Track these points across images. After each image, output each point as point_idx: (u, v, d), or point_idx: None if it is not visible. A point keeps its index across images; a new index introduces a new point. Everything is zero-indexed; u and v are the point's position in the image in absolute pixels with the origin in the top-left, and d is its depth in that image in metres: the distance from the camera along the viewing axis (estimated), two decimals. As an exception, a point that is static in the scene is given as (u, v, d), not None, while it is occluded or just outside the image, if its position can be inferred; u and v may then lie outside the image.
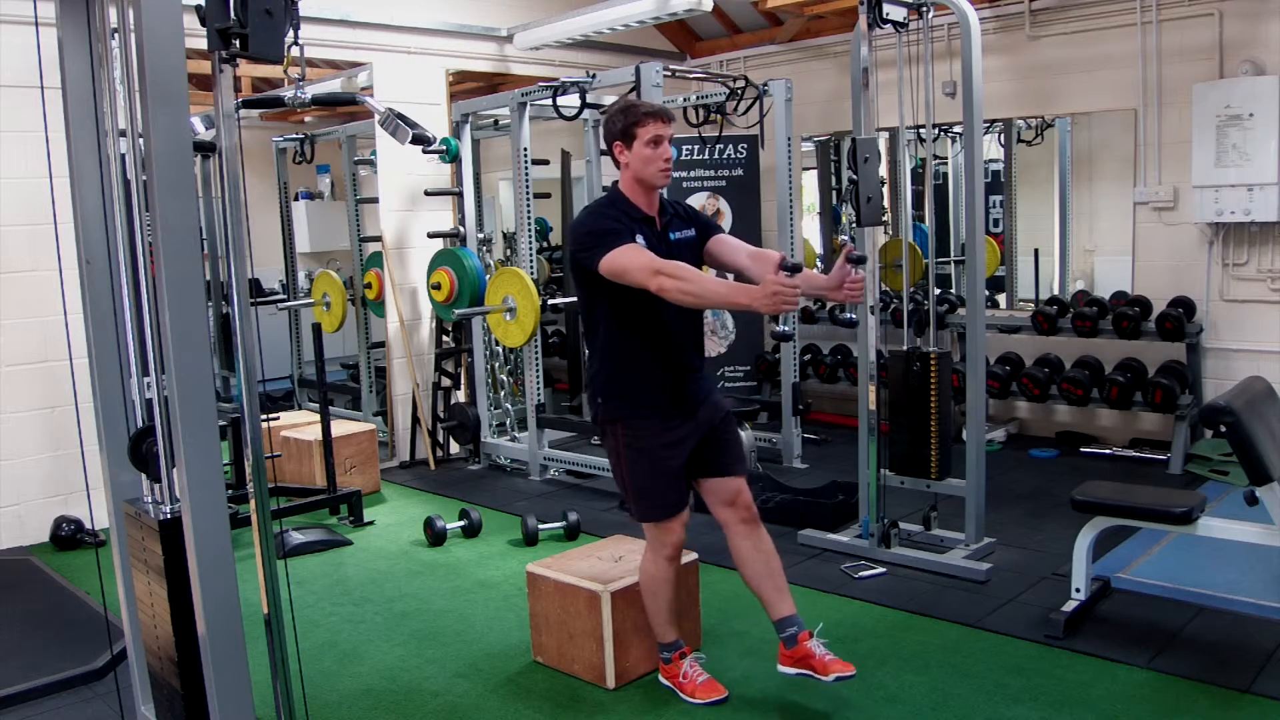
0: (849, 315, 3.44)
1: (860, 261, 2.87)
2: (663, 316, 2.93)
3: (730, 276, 3.32)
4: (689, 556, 3.35)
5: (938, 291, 6.44)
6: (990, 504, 4.32)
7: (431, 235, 6.23)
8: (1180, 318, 5.41)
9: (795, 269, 2.55)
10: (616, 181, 3.02)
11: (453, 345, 6.49)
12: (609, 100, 5.71)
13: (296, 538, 4.70)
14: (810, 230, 7.89)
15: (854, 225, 4.06)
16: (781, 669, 3.03)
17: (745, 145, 6.82)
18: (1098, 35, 5.86)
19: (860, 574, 4.10)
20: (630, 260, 2.75)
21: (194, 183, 2.02)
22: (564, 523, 4.70)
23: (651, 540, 3.08)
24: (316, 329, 5.40)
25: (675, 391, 3.00)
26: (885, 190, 6.77)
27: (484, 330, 6.17)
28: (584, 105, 5.50)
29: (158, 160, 1.91)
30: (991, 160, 6.63)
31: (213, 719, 2.08)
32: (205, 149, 4.66)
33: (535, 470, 5.92)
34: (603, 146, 6.62)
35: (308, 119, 7.83)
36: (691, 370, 3.06)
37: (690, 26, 7.70)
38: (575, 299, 3.07)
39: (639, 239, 2.87)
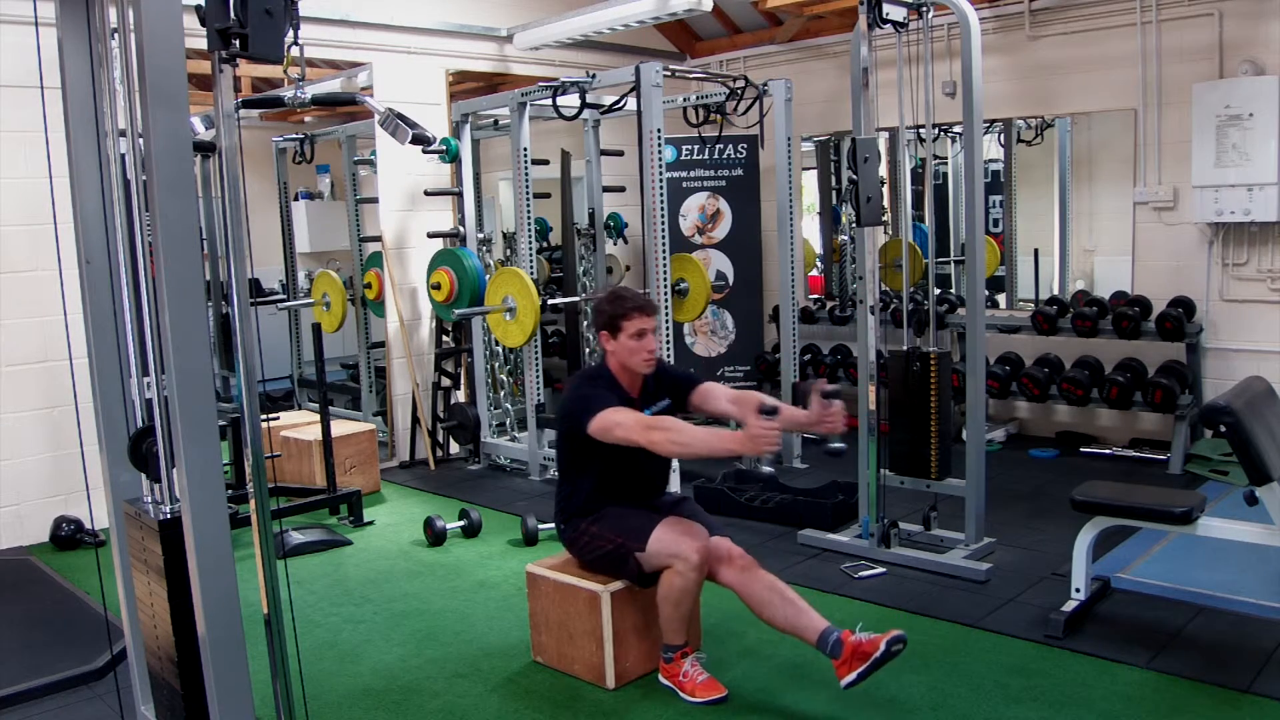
0: (833, 446, 3.56)
1: (836, 394, 3.01)
2: (641, 469, 3.23)
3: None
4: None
5: (938, 291, 6.45)
6: (990, 504, 4.32)
7: (431, 235, 6.23)
8: (1180, 318, 5.41)
9: (772, 411, 2.80)
10: (604, 360, 3.26)
11: (453, 345, 6.49)
12: (609, 100, 5.73)
13: (296, 538, 4.70)
14: (810, 230, 7.89)
15: (854, 225, 4.06)
16: (845, 681, 2.89)
17: (745, 145, 6.82)
18: (1097, 35, 5.86)
19: (860, 574, 4.10)
20: (621, 418, 2.98)
21: (194, 183, 2.02)
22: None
23: (672, 553, 3.05)
24: (316, 329, 5.40)
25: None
26: (885, 190, 6.77)
27: (484, 330, 6.17)
28: (584, 105, 5.50)
29: (158, 160, 1.91)
30: (991, 160, 6.63)
31: (213, 719, 2.08)
32: (205, 149, 4.66)
33: (535, 470, 5.92)
34: (603, 146, 6.66)
35: (308, 119, 7.82)
36: (656, 494, 3.38)
37: (690, 26, 7.70)
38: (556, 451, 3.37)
39: None
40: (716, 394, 3.27)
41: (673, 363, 4.81)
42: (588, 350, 6.73)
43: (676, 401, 3.31)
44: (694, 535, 3.06)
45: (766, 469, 3.21)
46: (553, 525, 4.69)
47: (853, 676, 2.89)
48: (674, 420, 3.03)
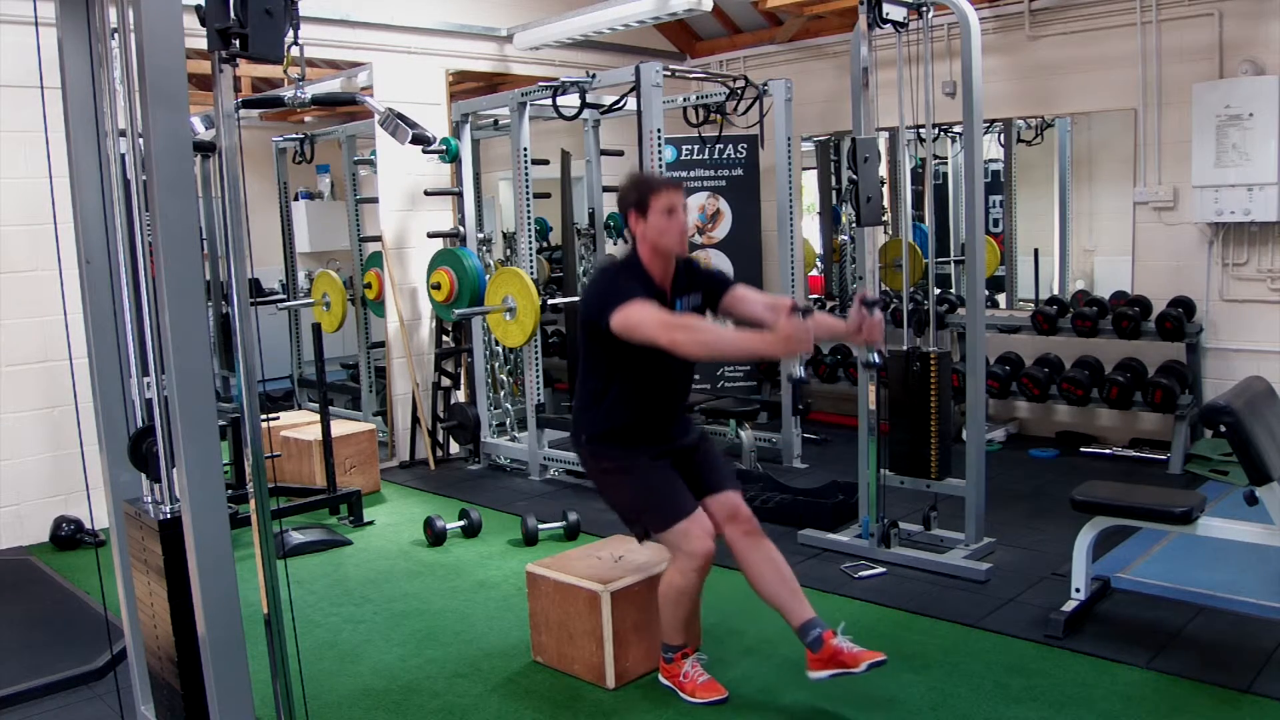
0: (871, 357, 3.47)
1: (876, 304, 2.93)
2: (665, 374, 3.03)
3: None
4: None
5: (938, 291, 6.45)
6: (990, 504, 4.32)
7: (431, 235, 6.23)
8: (1180, 318, 5.41)
9: (806, 311, 2.66)
10: (634, 248, 3.05)
11: (453, 345, 6.49)
12: (609, 100, 5.73)
13: (296, 538, 4.70)
14: (810, 230, 7.89)
15: (854, 225, 4.06)
16: (813, 675, 2.96)
17: (745, 145, 6.82)
18: (1097, 35, 5.86)
19: (860, 574, 4.10)
20: (643, 316, 2.80)
21: (194, 183, 2.02)
22: (564, 523, 4.70)
23: (677, 553, 3.00)
24: (316, 329, 5.40)
25: (659, 435, 3.12)
26: (885, 190, 6.77)
27: (484, 330, 6.16)
28: (584, 105, 5.50)
29: (158, 160, 1.91)
30: (991, 160, 6.63)
31: (213, 719, 2.08)
32: (205, 149, 4.65)
33: (535, 470, 5.92)
34: (603, 146, 6.65)
35: (308, 119, 7.82)
36: (676, 419, 3.19)
37: (690, 26, 7.70)
38: (581, 352, 3.16)
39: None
40: (751, 299, 3.13)
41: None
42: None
43: (708, 300, 3.14)
44: (707, 536, 2.99)
45: (798, 373, 3.01)
46: (554, 525, 4.73)
47: (823, 675, 2.95)
48: (699, 319, 2.87)
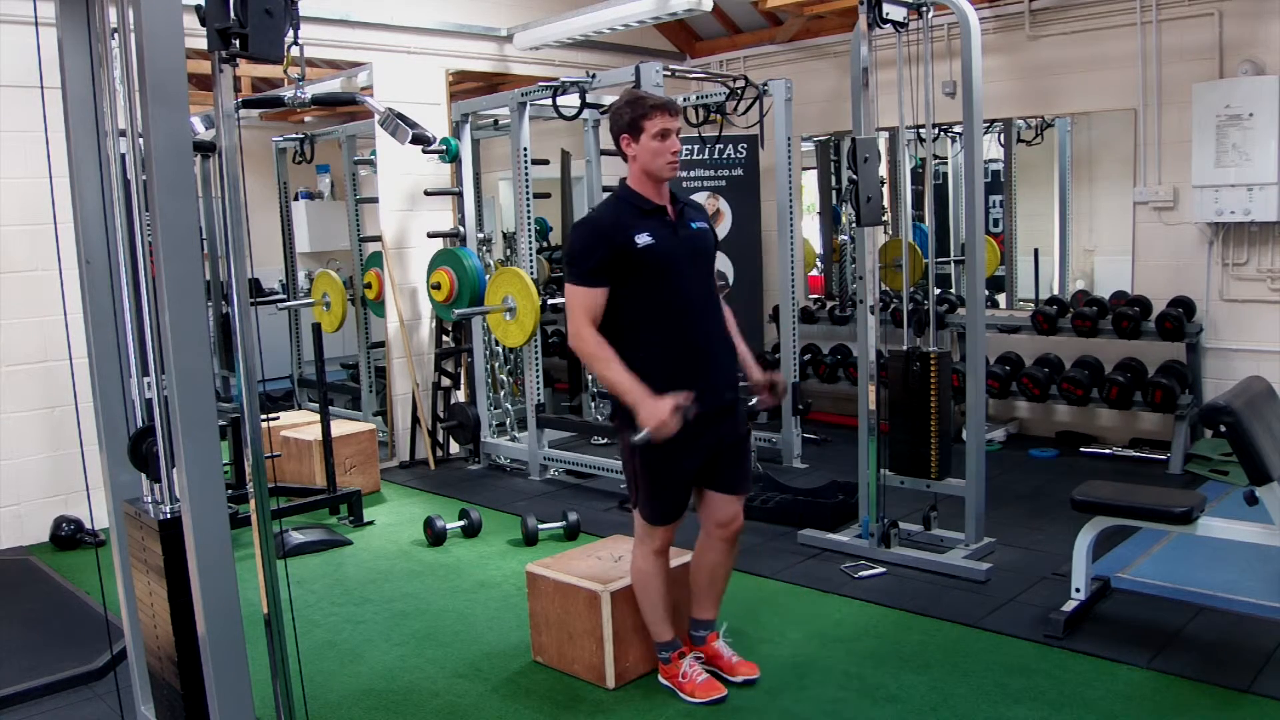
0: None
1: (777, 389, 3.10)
2: (679, 312, 2.90)
3: None
4: (683, 557, 3.34)
5: (938, 291, 6.44)
6: (990, 504, 4.32)
7: (431, 235, 6.23)
8: (1180, 318, 5.41)
9: (690, 410, 2.73)
10: (625, 178, 3.00)
11: (453, 345, 6.49)
12: (609, 100, 5.71)
13: (296, 538, 4.70)
14: (810, 230, 7.89)
15: (854, 225, 4.06)
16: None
17: (745, 145, 6.82)
18: (1097, 35, 5.86)
19: (860, 574, 4.10)
20: (575, 304, 2.86)
21: (194, 183, 2.02)
22: (564, 523, 4.70)
23: (641, 535, 3.09)
24: (316, 329, 5.40)
25: (694, 385, 2.82)
26: (885, 190, 6.77)
27: (484, 330, 6.16)
28: (584, 105, 5.50)
29: (158, 160, 1.91)
30: (991, 160, 6.63)
31: (213, 719, 2.08)
32: (205, 149, 4.65)
33: (535, 470, 5.92)
34: (603, 146, 6.65)
35: (308, 119, 7.82)
36: (713, 361, 2.98)
37: (690, 26, 7.70)
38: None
39: (644, 237, 2.86)
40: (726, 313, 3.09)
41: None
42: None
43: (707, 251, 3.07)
44: (668, 545, 3.09)
45: (640, 439, 2.95)
46: (554, 525, 4.73)
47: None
48: (602, 349, 2.82)
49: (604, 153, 6.54)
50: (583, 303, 2.85)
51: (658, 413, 2.70)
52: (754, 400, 3.15)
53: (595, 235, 2.91)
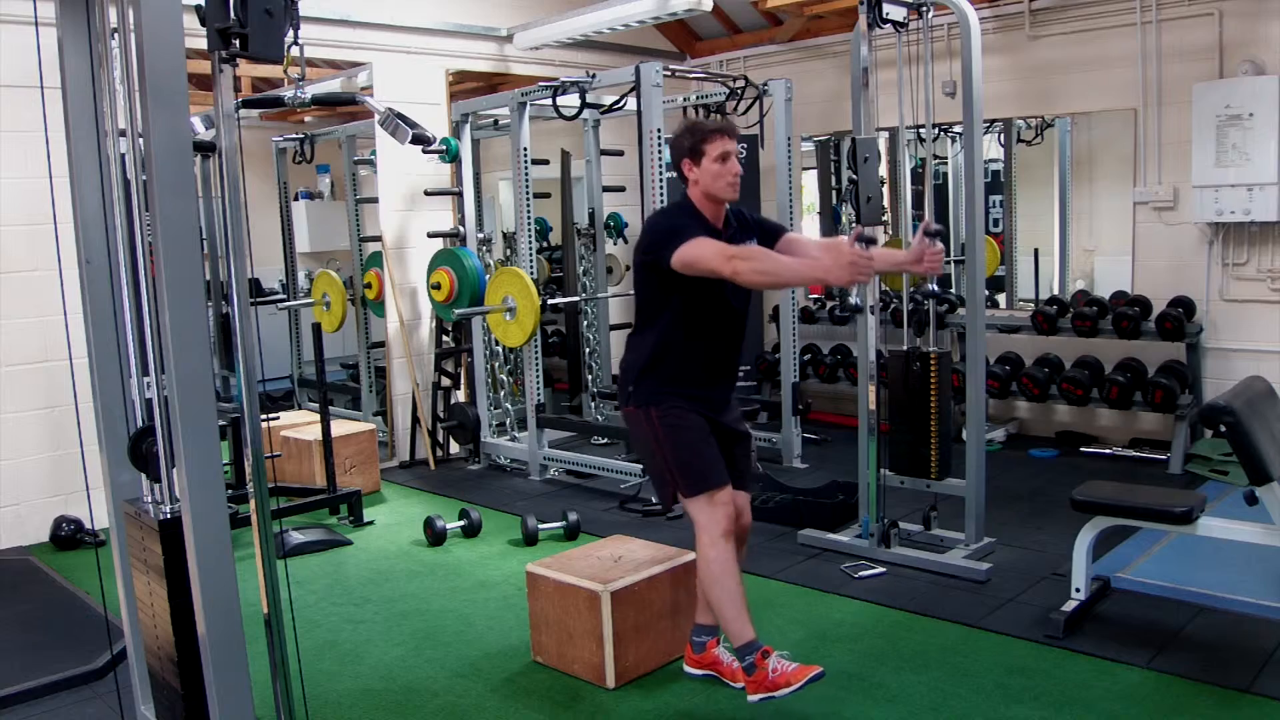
0: (931, 287, 3.32)
1: (939, 234, 2.93)
2: (718, 325, 3.02)
3: None
4: (686, 556, 3.34)
5: (939, 291, 6.44)
6: (990, 504, 4.32)
7: (431, 235, 6.23)
8: (1180, 318, 5.41)
9: (871, 241, 2.65)
10: (685, 193, 3.05)
11: (453, 345, 6.49)
12: (608, 100, 5.73)
13: (296, 538, 4.70)
14: (810, 230, 7.88)
15: (854, 225, 4.06)
16: (688, 670, 3.19)
17: (745, 145, 6.78)
18: (1098, 35, 5.86)
19: (860, 574, 4.10)
20: (703, 249, 2.79)
21: (194, 183, 2.02)
22: (564, 523, 4.70)
23: (703, 521, 2.92)
24: (316, 329, 5.40)
25: (708, 395, 3.04)
26: (885, 190, 6.76)
27: (484, 330, 6.16)
28: (584, 105, 5.50)
29: (158, 160, 1.91)
30: (991, 160, 6.63)
31: (213, 719, 2.08)
32: (205, 149, 4.65)
33: (535, 470, 5.92)
34: (603, 146, 6.64)
35: (308, 119, 7.82)
36: (726, 381, 3.13)
37: (690, 26, 7.70)
38: (634, 294, 3.14)
39: None
40: (804, 242, 3.12)
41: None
42: (588, 350, 6.74)
43: (763, 243, 3.08)
44: (726, 502, 2.94)
45: (856, 301, 3.05)
46: (553, 525, 4.73)
47: (696, 673, 3.18)
48: (758, 249, 2.86)
49: (604, 153, 6.54)
50: (706, 249, 2.78)
51: (844, 261, 2.62)
52: (929, 270, 3.01)
53: (686, 215, 2.98)
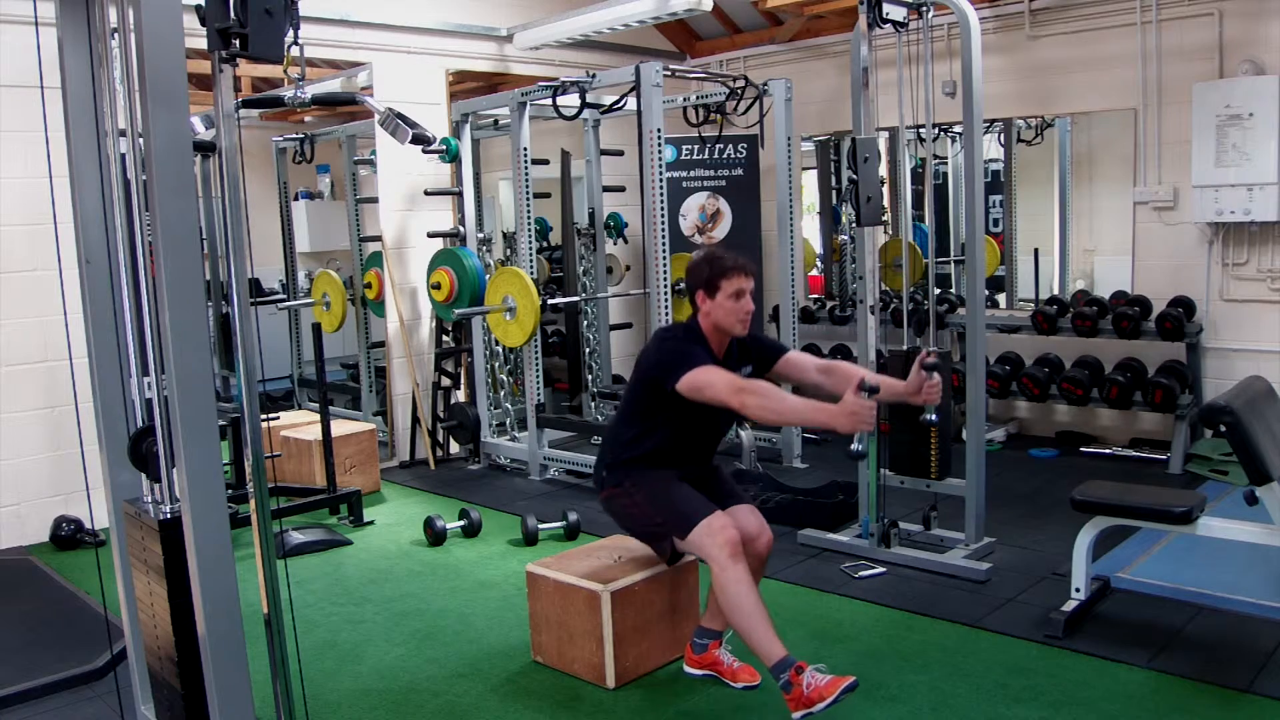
0: (928, 417, 3.58)
1: (936, 368, 3.02)
2: (706, 434, 3.22)
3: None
4: (685, 557, 3.34)
5: (938, 291, 6.44)
6: (990, 504, 4.32)
7: (431, 235, 6.23)
8: (1180, 318, 5.41)
9: (873, 390, 2.72)
10: (694, 318, 3.14)
11: (453, 345, 6.49)
12: (608, 100, 5.73)
13: (296, 538, 4.70)
14: (810, 230, 7.89)
15: (854, 225, 4.06)
16: (688, 670, 3.23)
17: (745, 145, 6.82)
18: (1098, 35, 5.86)
19: (860, 574, 4.10)
20: (713, 378, 2.90)
21: (194, 183, 2.02)
22: (564, 523, 4.70)
23: (709, 552, 2.95)
24: (316, 329, 5.40)
25: (682, 471, 3.22)
26: (885, 190, 6.77)
27: (484, 330, 6.17)
28: (584, 105, 5.50)
29: (158, 160, 1.91)
30: (991, 160, 6.63)
31: (213, 719, 2.08)
32: (205, 149, 4.65)
33: (535, 470, 5.92)
34: (603, 146, 6.64)
35: (308, 119, 7.82)
36: (704, 461, 3.31)
37: (690, 26, 7.70)
38: (628, 398, 3.27)
39: None
40: (804, 364, 3.23)
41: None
42: (588, 350, 6.73)
43: (759, 369, 3.22)
44: (730, 525, 2.98)
45: (857, 448, 3.27)
46: (554, 525, 4.73)
47: (696, 673, 3.21)
48: (767, 385, 2.94)
49: (604, 153, 6.54)
50: (715, 379, 2.90)
51: (847, 411, 2.71)
52: (927, 401, 3.10)
53: (695, 341, 3.09)
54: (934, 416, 3.51)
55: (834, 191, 7.66)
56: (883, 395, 2.93)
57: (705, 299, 3.07)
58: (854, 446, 3.20)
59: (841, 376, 3.02)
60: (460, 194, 6.20)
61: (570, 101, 5.54)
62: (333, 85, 6.52)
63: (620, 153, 6.74)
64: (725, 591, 2.91)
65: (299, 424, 5.97)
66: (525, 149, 5.78)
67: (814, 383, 3.19)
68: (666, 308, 5.09)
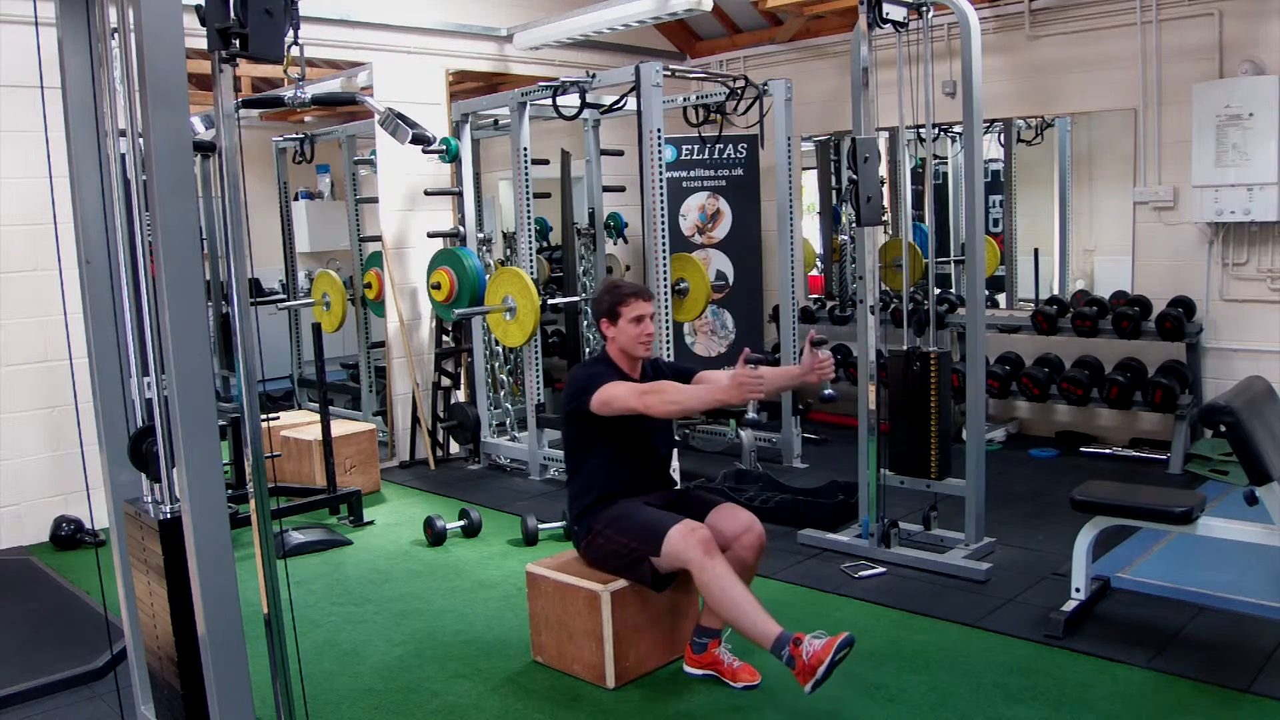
0: (826, 393, 3.60)
1: (823, 343, 3.18)
2: (642, 448, 3.35)
3: None
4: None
5: (938, 291, 6.44)
6: (990, 504, 4.32)
7: (431, 235, 6.23)
8: (1180, 317, 5.41)
9: (757, 362, 2.96)
10: (604, 347, 3.38)
11: (453, 345, 6.49)
12: (608, 100, 5.73)
13: (296, 538, 4.70)
14: (810, 230, 7.89)
15: (854, 225, 4.06)
16: (688, 669, 3.27)
17: (745, 145, 6.82)
18: (1097, 35, 5.86)
19: (860, 574, 4.10)
20: (617, 390, 3.13)
21: (194, 183, 2.02)
22: (564, 523, 4.70)
23: (683, 555, 3.01)
24: (316, 329, 5.40)
25: (645, 497, 3.35)
26: (885, 190, 6.77)
27: (484, 330, 6.17)
28: (584, 105, 5.50)
29: (158, 160, 1.91)
30: (991, 160, 6.63)
31: (213, 719, 2.08)
32: (205, 149, 4.65)
33: (535, 470, 5.92)
34: (603, 146, 6.64)
35: (308, 119, 7.82)
36: (662, 483, 3.46)
37: (690, 26, 7.70)
38: (564, 440, 3.47)
39: None
40: (713, 376, 3.36)
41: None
42: (588, 350, 6.73)
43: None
44: (698, 526, 3.06)
45: (751, 416, 3.46)
46: (554, 525, 4.73)
47: (696, 672, 3.25)
48: (665, 383, 3.17)
49: (604, 153, 6.54)
50: (619, 390, 3.12)
51: (736, 383, 2.92)
52: (820, 378, 3.22)
53: (604, 365, 3.33)
54: (831, 392, 3.53)
55: (834, 191, 7.66)
56: (776, 380, 3.18)
57: (609, 326, 3.29)
58: (749, 415, 3.76)
59: (739, 363, 3.16)
60: (460, 194, 6.20)
61: (570, 101, 5.54)
62: (333, 85, 6.52)
63: (620, 153, 6.74)
64: (710, 588, 2.97)
65: (299, 424, 5.97)
66: (525, 149, 5.78)
67: (714, 384, 3.33)
68: (666, 308, 5.09)
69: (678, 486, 3.56)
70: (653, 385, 3.14)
